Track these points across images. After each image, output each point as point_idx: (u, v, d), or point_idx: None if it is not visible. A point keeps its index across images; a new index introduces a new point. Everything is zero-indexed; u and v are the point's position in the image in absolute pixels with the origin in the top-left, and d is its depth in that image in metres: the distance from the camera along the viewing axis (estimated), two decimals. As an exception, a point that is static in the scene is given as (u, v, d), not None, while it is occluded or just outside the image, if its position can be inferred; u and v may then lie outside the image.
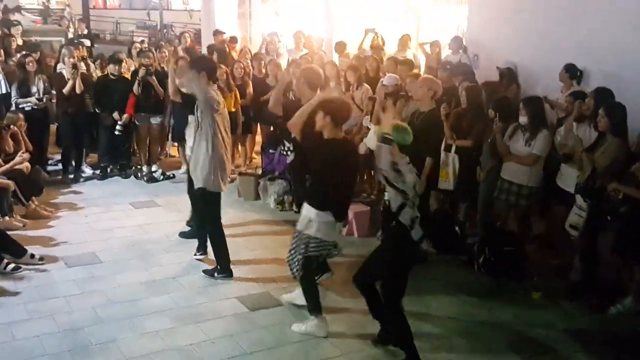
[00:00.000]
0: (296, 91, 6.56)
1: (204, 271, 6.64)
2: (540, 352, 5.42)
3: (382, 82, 8.85)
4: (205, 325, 5.62)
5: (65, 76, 9.64)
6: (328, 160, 5.25)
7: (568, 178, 6.57)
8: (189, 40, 13.24)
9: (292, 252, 5.46)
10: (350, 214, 7.76)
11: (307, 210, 5.31)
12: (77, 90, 9.49)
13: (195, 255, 6.91)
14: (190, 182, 6.77)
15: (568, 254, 6.77)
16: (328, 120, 5.21)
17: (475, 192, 7.36)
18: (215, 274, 6.55)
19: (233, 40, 13.48)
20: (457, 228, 6.92)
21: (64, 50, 10.16)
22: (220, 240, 6.56)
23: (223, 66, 9.63)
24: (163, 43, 14.95)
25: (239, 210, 8.64)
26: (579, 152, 6.27)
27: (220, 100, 6.34)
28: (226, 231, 6.73)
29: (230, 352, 5.22)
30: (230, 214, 8.13)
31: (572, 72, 8.01)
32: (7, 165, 7.90)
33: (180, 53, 11.20)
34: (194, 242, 7.14)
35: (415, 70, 9.48)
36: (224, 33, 13.50)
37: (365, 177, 9.61)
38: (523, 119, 6.80)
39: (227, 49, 12.53)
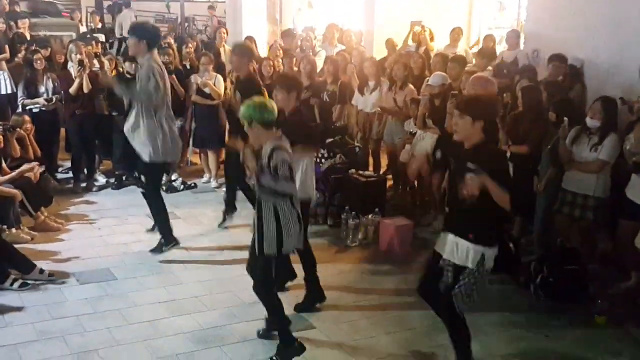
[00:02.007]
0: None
1: (151, 250, 7.56)
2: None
3: (427, 81, 8.95)
4: (229, 349, 5.76)
5: (72, 74, 9.72)
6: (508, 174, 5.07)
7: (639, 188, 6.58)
8: (225, 36, 13.30)
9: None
10: (392, 229, 7.90)
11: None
12: (85, 90, 9.59)
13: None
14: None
15: (638, 275, 6.79)
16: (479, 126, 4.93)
17: (532, 205, 7.41)
18: (163, 247, 7.50)
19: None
20: (511, 245, 6.97)
21: (70, 46, 10.23)
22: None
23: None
24: (190, 36, 15.02)
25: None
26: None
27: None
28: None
29: (257, 378, 5.38)
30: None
31: None
32: (14, 173, 8.09)
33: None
34: (217, 259, 7.36)
35: (475, 68, 9.50)
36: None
37: (408, 189, 9.71)
38: (593, 122, 6.83)
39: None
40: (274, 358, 5.48)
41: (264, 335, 5.89)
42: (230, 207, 8.64)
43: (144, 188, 7.47)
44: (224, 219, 8.66)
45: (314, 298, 6.50)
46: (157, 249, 7.54)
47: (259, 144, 5.29)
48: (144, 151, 7.24)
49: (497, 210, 4.79)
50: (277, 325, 5.64)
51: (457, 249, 4.96)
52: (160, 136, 7.20)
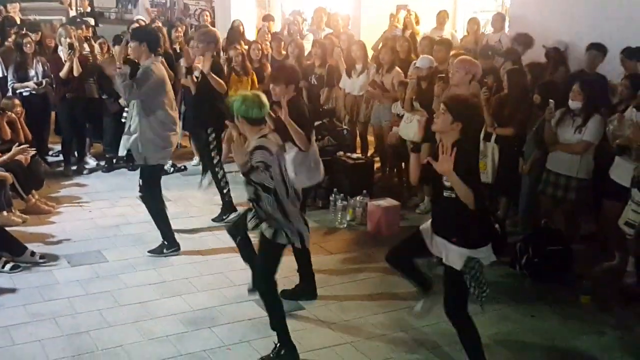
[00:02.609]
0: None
1: (150, 251, 7.19)
2: (589, 363, 5.48)
3: (414, 64, 8.89)
4: (220, 330, 5.74)
5: (63, 58, 9.69)
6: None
7: (624, 170, 6.53)
8: (208, 19, 13.24)
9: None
10: (379, 210, 7.87)
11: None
12: (75, 74, 9.54)
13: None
14: None
15: (622, 255, 6.80)
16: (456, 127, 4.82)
17: (517, 186, 7.40)
18: (164, 250, 7.15)
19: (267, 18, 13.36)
20: (496, 226, 6.94)
21: (60, 30, 10.19)
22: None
23: (239, 47, 9.71)
24: (180, 20, 14.93)
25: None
26: (637, 142, 6.27)
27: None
28: None
29: (247, 359, 5.34)
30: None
31: (637, 57, 7.91)
32: (6, 156, 8.02)
33: None
34: (207, 241, 7.29)
35: (461, 51, 9.46)
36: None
37: (395, 171, 9.69)
38: (575, 104, 6.82)
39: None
40: (271, 355, 5.31)
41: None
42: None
43: (140, 191, 7.28)
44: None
45: (303, 292, 6.37)
46: (157, 251, 7.22)
47: (245, 136, 5.20)
48: (139, 153, 7.00)
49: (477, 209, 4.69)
50: (276, 325, 5.35)
51: (447, 253, 4.89)
52: (153, 139, 6.93)
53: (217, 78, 7.89)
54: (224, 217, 8.14)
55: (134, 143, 6.91)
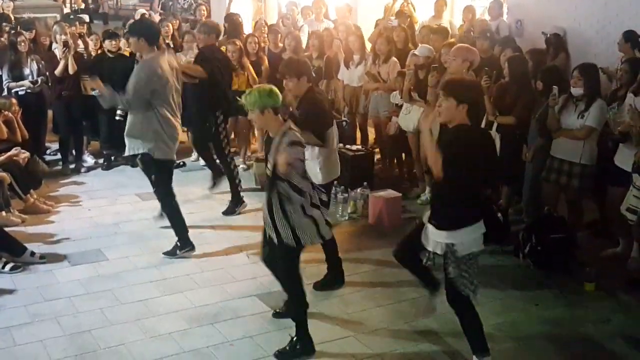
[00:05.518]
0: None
1: (165, 253, 7.06)
2: (594, 351, 5.48)
3: (412, 52, 8.87)
4: (222, 326, 5.75)
5: (57, 56, 9.65)
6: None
7: (626, 156, 6.53)
8: (205, 13, 13.20)
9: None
10: (380, 202, 7.87)
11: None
12: (70, 71, 9.50)
13: None
14: None
15: (625, 241, 6.80)
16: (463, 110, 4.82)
17: (520, 174, 7.39)
18: (177, 251, 7.04)
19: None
20: (499, 215, 6.94)
21: (55, 27, 10.18)
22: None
23: (238, 42, 9.67)
24: (173, 15, 14.91)
25: (257, 199, 8.74)
26: (637, 127, 6.27)
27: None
28: (242, 224, 7.13)
29: (250, 355, 5.35)
30: (247, 203, 8.33)
31: (634, 41, 7.91)
32: (3, 157, 8.05)
33: None
34: (207, 237, 7.35)
35: (452, 40, 9.47)
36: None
37: (395, 162, 9.67)
38: (576, 90, 6.81)
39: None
40: (287, 348, 5.30)
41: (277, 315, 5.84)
42: (216, 173, 8.62)
43: (153, 187, 7.28)
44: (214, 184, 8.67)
45: (334, 279, 6.40)
46: (171, 252, 7.09)
47: (269, 131, 5.21)
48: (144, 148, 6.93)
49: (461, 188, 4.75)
50: (296, 317, 5.36)
51: (433, 239, 4.96)
52: (159, 133, 6.86)
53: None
54: (236, 209, 8.23)
55: (136, 141, 6.85)
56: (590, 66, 6.98)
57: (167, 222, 7.32)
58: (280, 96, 5.17)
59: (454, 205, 4.82)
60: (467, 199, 4.81)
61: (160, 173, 7.05)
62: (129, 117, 6.94)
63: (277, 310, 5.85)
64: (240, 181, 8.37)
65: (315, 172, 6.20)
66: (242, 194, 8.42)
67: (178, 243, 7.09)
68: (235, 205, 8.28)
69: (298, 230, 5.09)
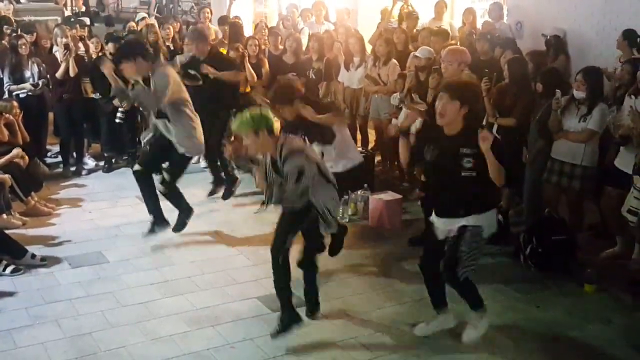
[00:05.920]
0: None
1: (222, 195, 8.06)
2: (595, 353, 5.47)
3: (413, 54, 8.88)
4: (223, 329, 5.74)
5: (58, 58, 9.67)
6: None
7: (626, 158, 6.56)
8: (209, 16, 13.17)
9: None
10: (381, 204, 7.87)
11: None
12: (71, 74, 9.51)
13: None
14: None
15: (626, 243, 6.80)
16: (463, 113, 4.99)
17: (520, 176, 7.39)
18: (155, 228, 7.35)
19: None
20: (500, 216, 6.96)
21: (56, 30, 10.17)
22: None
23: (240, 48, 9.67)
24: (174, 18, 14.88)
25: (256, 199, 8.73)
26: (638, 129, 6.27)
27: None
28: (243, 226, 7.20)
29: (251, 357, 5.35)
30: (246, 206, 8.33)
31: (632, 40, 7.93)
32: (3, 159, 8.05)
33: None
34: (208, 239, 7.36)
35: (453, 42, 9.47)
36: None
37: (395, 163, 9.67)
38: (579, 93, 6.81)
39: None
40: (278, 328, 5.48)
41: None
42: (217, 179, 8.82)
43: (165, 179, 7.39)
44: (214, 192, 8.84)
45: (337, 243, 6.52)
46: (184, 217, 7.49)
47: (263, 151, 5.42)
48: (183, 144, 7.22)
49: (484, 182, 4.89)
50: (278, 292, 5.63)
51: (452, 228, 5.10)
52: (194, 131, 7.19)
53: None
54: (233, 189, 8.56)
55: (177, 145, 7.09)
56: (594, 70, 6.98)
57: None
58: (272, 116, 5.42)
59: (478, 194, 4.98)
60: (492, 187, 4.97)
61: (181, 165, 7.38)
62: (171, 128, 7.06)
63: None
64: (233, 168, 8.62)
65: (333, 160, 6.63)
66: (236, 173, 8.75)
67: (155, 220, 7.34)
68: (232, 186, 8.58)
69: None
